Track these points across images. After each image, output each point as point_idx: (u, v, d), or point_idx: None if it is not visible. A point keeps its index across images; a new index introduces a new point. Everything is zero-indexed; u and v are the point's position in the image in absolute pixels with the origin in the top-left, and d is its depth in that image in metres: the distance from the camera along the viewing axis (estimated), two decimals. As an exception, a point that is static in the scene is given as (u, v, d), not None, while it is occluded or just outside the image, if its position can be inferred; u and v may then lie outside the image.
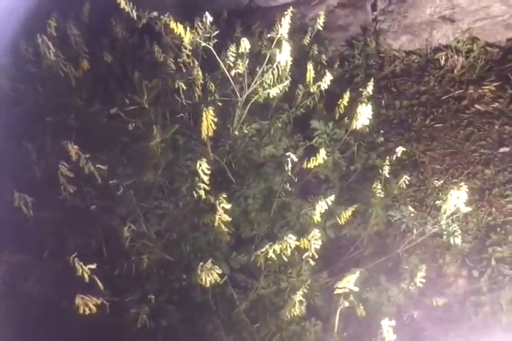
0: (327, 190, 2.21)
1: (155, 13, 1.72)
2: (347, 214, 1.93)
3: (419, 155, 2.78)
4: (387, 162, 2.12)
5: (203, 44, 1.67)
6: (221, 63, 1.73)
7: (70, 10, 2.35)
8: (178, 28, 1.60)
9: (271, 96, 1.73)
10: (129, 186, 1.48)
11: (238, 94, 1.79)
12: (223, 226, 1.34)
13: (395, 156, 2.21)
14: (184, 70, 1.96)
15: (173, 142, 1.68)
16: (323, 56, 2.99)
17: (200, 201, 1.41)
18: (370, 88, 2.30)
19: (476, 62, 3.09)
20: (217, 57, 1.71)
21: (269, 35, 1.84)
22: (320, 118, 2.48)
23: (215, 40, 1.67)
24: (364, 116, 2.17)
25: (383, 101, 3.10)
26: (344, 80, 3.23)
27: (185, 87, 1.79)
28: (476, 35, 3.19)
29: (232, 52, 2.08)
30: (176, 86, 1.78)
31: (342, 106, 2.52)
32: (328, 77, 2.22)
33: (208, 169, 1.35)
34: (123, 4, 1.68)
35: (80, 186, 1.50)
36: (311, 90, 2.13)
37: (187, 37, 1.60)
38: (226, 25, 3.17)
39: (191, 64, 2.03)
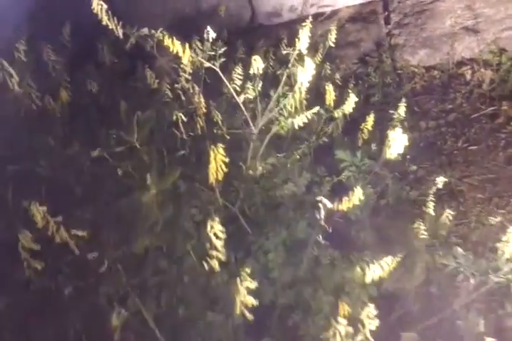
0: (359, 231, 1.85)
1: (145, 30, 1.40)
2: (391, 265, 1.56)
3: (456, 182, 2.42)
4: (431, 197, 1.79)
5: (207, 64, 1.34)
6: (230, 87, 1.40)
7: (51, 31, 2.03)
8: (174, 46, 1.28)
9: (296, 126, 1.39)
10: (116, 258, 1.12)
11: (251, 124, 1.45)
12: (247, 313, 0.97)
13: (435, 189, 1.90)
14: (183, 98, 1.63)
15: (173, 188, 1.34)
16: (337, 75, 2.70)
17: (214, 274, 1.06)
18: (402, 110, 1.97)
19: (507, 75, 2.77)
20: (224, 80, 1.38)
21: (284, 52, 1.52)
22: (342, 146, 2.15)
23: (222, 60, 1.34)
24: (398, 143, 1.85)
25: (405, 123, 2.78)
26: (359, 101, 2.93)
27: (185, 119, 1.46)
28: (503, 46, 2.89)
29: (239, 74, 1.76)
30: (174, 117, 1.45)
31: (365, 131, 2.20)
32: (352, 99, 1.89)
33: (222, 232, 1.00)
34: (105, 20, 1.36)
35: (50, 261, 1.12)
36: (335, 115, 1.78)
37: (186, 56, 1.28)
38: (227, 46, 2.90)
39: (191, 90, 1.70)
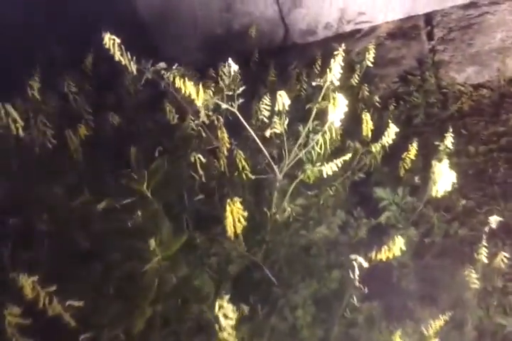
0: (401, 279, 1.66)
1: (162, 65, 1.29)
2: (437, 324, 1.36)
3: (510, 216, 2.17)
4: (483, 242, 1.58)
5: (224, 106, 1.21)
6: (249, 128, 1.26)
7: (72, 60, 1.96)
8: (186, 87, 1.16)
9: (324, 175, 1.23)
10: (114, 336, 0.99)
11: (276, 168, 1.30)
12: None
13: (488, 229, 1.68)
14: (204, 134, 1.51)
15: (188, 240, 1.20)
16: (376, 97, 2.53)
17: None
18: (449, 140, 1.77)
19: None
20: (244, 122, 1.24)
21: (314, 83, 1.36)
22: (381, 179, 1.97)
23: (240, 101, 1.20)
24: (446, 179, 1.65)
25: (452, 147, 2.55)
26: (400, 123, 2.72)
27: (204, 160, 1.33)
28: (561, 60, 2.63)
29: (266, 104, 1.62)
30: (193, 159, 1.33)
31: (408, 160, 2.01)
32: (393, 130, 1.71)
33: (233, 318, 0.84)
34: (118, 56, 1.26)
35: (41, 335, 0.99)
36: (373, 149, 1.61)
37: (200, 98, 1.15)
38: (258, 67, 2.77)
39: (216, 123, 1.57)
